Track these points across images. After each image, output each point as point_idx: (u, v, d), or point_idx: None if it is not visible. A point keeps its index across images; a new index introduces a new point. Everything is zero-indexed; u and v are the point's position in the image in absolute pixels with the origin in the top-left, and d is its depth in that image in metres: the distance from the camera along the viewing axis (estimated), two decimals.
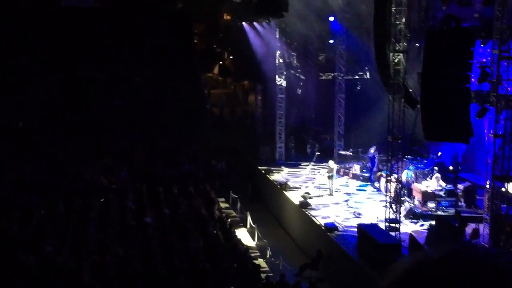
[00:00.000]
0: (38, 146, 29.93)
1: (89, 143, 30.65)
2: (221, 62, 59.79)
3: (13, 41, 38.46)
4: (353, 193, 25.02)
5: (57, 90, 35.10)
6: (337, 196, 24.55)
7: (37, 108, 33.38)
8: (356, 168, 27.16)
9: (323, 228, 20.68)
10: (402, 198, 20.74)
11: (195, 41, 49.65)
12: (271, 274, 19.11)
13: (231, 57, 56.67)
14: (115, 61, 38.43)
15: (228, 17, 43.20)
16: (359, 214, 22.10)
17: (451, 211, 20.95)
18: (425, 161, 24.99)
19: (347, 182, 26.45)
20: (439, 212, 21.13)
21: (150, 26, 41.65)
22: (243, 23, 31.82)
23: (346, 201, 23.79)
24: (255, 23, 31.03)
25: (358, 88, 31.69)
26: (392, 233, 18.77)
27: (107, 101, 35.26)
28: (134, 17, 42.39)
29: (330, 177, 24.84)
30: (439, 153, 25.48)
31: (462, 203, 21.79)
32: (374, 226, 18.91)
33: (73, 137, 30.99)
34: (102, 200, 23.85)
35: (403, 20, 18.77)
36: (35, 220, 21.31)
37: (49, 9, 42.18)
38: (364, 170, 26.93)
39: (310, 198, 23.79)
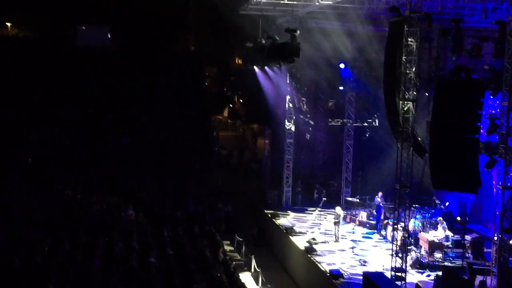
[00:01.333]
0: (45, 181, 30.02)
1: (97, 181, 30.73)
2: (231, 105, 60.31)
3: (27, 78, 39.03)
4: (359, 241, 24.83)
5: (68, 127, 35.41)
6: (343, 243, 24.37)
7: (46, 144, 33.63)
8: (362, 215, 27.03)
9: (328, 274, 20.46)
10: (409, 247, 20.56)
11: (206, 83, 50.18)
12: None
13: (241, 100, 57.18)
14: (127, 101, 38.85)
15: (240, 61, 43.75)
16: (365, 262, 21.88)
17: (458, 262, 20.73)
18: (433, 211, 24.84)
19: (353, 229, 26.28)
20: (446, 263, 20.91)
21: (162, 68, 42.23)
22: (254, 67, 32.18)
23: (352, 248, 23.58)
24: (266, 68, 31.37)
25: (367, 135, 31.81)
26: (398, 283, 18.54)
27: (116, 140, 35.47)
28: (147, 58, 43.02)
29: (336, 224, 24.71)
30: (447, 203, 25.35)
31: (470, 255, 21.57)
32: (380, 275, 18.68)
33: (81, 174, 31.11)
34: (107, 238, 23.76)
35: (414, 69, 18.93)
36: (39, 256, 21.22)
37: (64, 48, 42.94)
38: (370, 218, 26.80)
39: (316, 243, 23.61)
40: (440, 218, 23.17)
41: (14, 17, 51.19)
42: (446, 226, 22.28)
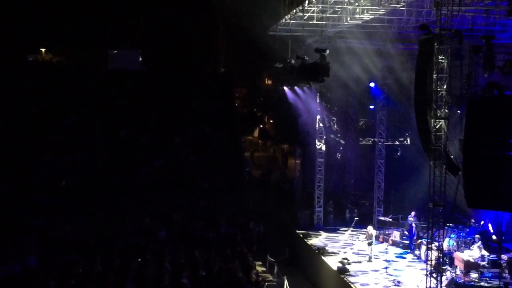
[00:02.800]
0: (79, 204, 30.39)
1: (130, 203, 30.99)
2: (261, 126, 60.48)
3: (60, 102, 39.73)
4: (392, 260, 24.55)
5: (101, 150, 35.86)
6: (376, 263, 24.11)
7: (80, 167, 34.09)
8: (395, 235, 26.74)
9: None
10: (444, 267, 20.23)
11: (236, 104, 50.43)
12: None
13: (271, 120, 57.29)
14: (158, 123, 39.23)
15: (269, 82, 43.95)
16: (399, 282, 21.61)
17: (495, 282, 20.33)
18: (467, 230, 24.46)
19: (386, 248, 26.01)
20: (482, 283, 20.54)
21: (193, 90, 42.61)
22: (284, 87, 32.30)
23: (386, 268, 23.32)
24: (296, 88, 31.47)
25: (398, 153, 31.59)
26: None
27: (148, 162, 35.79)
28: (177, 81, 43.48)
29: (369, 243, 24.50)
30: (482, 222, 24.94)
31: (506, 274, 21.14)
32: None
33: (114, 196, 31.40)
34: (139, 260, 23.90)
35: (445, 87, 18.78)
36: (73, 278, 21.42)
37: (96, 72, 43.67)
38: (404, 237, 26.49)
39: (349, 264, 23.41)
40: (478, 236, 22.81)
41: (48, 43, 52.35)
42: (481, 246, 21.90)
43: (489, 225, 25.06)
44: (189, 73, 45.97)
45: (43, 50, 53.31)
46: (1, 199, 29.75)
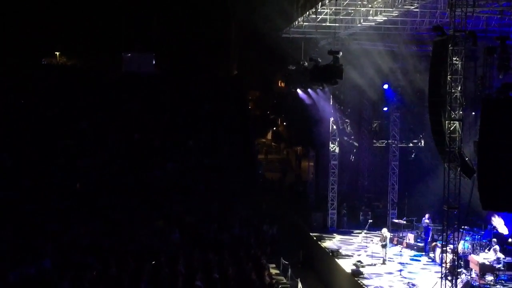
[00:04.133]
0: (94, 207, 30.53)
1: (143, 206, 31.09)
2: (274, 128, 60.45)
3: (75, 105, 39.99)
4: (407, 263, 24.40)
5: (115, 153, 36.03)
6: (391, 266, 23.99)
7: (94, 171, 34.26)
8: (410, 237, 26.59)
9: None
10: (459, 270, 20.08)
11: (250, 107, 50.47)
12: None
13: (284, 123, 57.23)
14: (171, 126, 39.36)
15: (282, 84, 43.90)
16: (414, 285, 21.49)
17: (511, 285, 20.16)
18: (483, 232, 24.27)
19: (400, 251, 25.86)
20: (498, 286, 20.38)
21: (206, 93, 42.73)
22: (297, 89, 32.25)
23: (400, 271, 23.18)
24: (309, 90, 31.42)
25: (413, 156, 31.42)
26: None
27: (162, 165, 35.91)
28: (191, 84, 43.60)
29: (383, 246, 24.38)
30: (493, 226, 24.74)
31: None
32: None
33: (128, 199, 31.53)
34: (153, 262, 23.96)
35: (459, 88, 18.65)
36: (87, 280, 21.52)
37: (110, 75, 43.93)
38: (418, 240, 26.32)
39: (363, 266, 23.30)
40: (494, 239, 22.63)
41: (62, 46, 52.67)
42: (498, 248, 21.72)
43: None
44: (202, 76, 46.09)
45: (57, 53, 53.65)
46: (16, 203, 29.97)
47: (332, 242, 27.63)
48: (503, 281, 20.85)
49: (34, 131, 37.00)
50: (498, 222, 24.66)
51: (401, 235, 27.27)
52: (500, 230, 24.51)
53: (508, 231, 24.48)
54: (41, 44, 50.14)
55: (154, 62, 47.91)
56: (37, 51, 50.32)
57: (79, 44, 51.63)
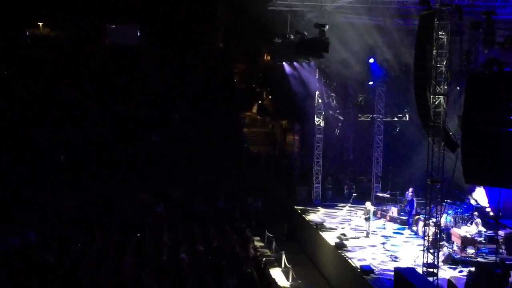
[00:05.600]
0: (78, 179, 30.45)
1: (128, 178, 31.05)
2: (260, 102, 60.34)
3: (58, 77, 39.61)
4: (390, 236, 24.66)
5: (99, 125, 35.84)
6: (374, 239, 24.23)
7: (78, 142, 34.09)
8: (393, 211, 26.84)
9: (359, 270, 20.37)
10: (441, 243, 20.34)
11: (235, 80, 50.24)
12: None
13: (270, 96, 57.13)
14: (156, 98, 39.16)
15: (268, 57, 43.71)
16: (396, 257, 21.73)
17: (491, 257, 20.45)
18: (465, 206, 24.55)
19: (384, 224, 26.11)
20: (479, 259, 20.66)
21: (191, 65, 42.46)
22: (283, 63, 32.13)
23: (383, 243, 23.43)
24: (295, 63, 31.31)
25: (397, 130, 31.57)
26: (430, 279, 18.38)
27: (147, 137, 35.79)
28: (176, 56, 43.28)
29: (367, 219, 24.60)
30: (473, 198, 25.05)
31: (503, 250, 21.27)
32: (411, 271, 18.54)
33: (112, 172, 31.46)
34: (138, 235, 24.03)
35: (444, 63, 18.70)
36: (72, 252, 21.56)
37: (95, 47, 43.46)
38: (401, 213, 26.59)
39: (346, 239, 23.51)
40: (476, 213, 22.90)
41: (46, 17, 51.89)
42: (479, 222, 22.00)
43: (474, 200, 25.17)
44: (187, 48, 45.75)
45: (40, 24, 52.88)
46: (1, 175, 29.80)
47: (316, 215, 27.81)
48: (484, 254, 21.14)
49: (17, 103, 36.64)
50: (479, 195, 24.97)
51: (384, 208, 27.50)
52: (481, 203, 24.83)
53: (490, 204, 24.79)
54: (24, 15, 49.37)
55: (139, 34, 47.43)
56: (20, 22, 49.56)
57: (63, 15, 50.87)
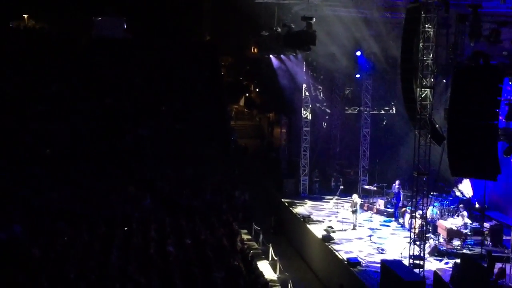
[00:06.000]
0: (64, 173, 30.27)
1: (115, 172, 30.91)
2: (247, 94, 60.29)
3: (44, 70, 39.28)
4: (376, 229, 24.78)
5: (86, 119, 35.62)
6: (361, 231, 24.33)
7: (65, 136, 33.86)
8: (380, 203, 26.96)
9: (345, 262, 20.46)
10: (427, 235, 20.47)
11: (222, 73, 50.17)
12: None
13: (257, 89, 57.08)
14: (143, 91, 38.98)
15: (255, 50, 43.64)
16: (383, 249, 21.84)
17: (477, 249, 20.62)
18: (451, 198, 24.70)
19: (371, 217, 26.22)
20: (464, 250, 20.81)
21: (178, 58, 42.27)
22: (270, 56, 32.07)
23: (370, 236, 23.54)
24: (282, 56, 31.27)
25: (384, 123, 31.67)
26: (416, 270, 18.49)
27: (134, 130, 35.64)
28: (163, 49, 43.08)
29: (354, 212, 24.68)
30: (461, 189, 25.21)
31: (489, 242, 21.44)
32: (398, 263, 18.64)
33: (99, 165, 31.30)
34: (125, 228, 23.95)
35: (431, 56, 18.76)
36: (59, 246, 21.45)
37: (81, 40, 43.18)
38: (388, 206, 26.72)
39: (333, 232, 23.60)
40: (462, 205, 23.05)
41: (31, 9, 51.50)
42: (465, 214, 22.15)
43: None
44: (174, 41, 45.58)
45: (25, 16, 52.45)
46: None
47: (303, 208, 27.87)
48: (469, 246, 21.29)
49: (2, 96, 36.29)
50: (465, 187, 25.14)
51: (371, 201, 27.62)
52: (466, 195, 25.00)
53: (475, 196, 24.96)
54: (8, 7, 48.94)
55: (125, 26, 47.16)
56: (5, 14, 49.12)
57: (48, 7, 50.52)
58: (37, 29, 49.88)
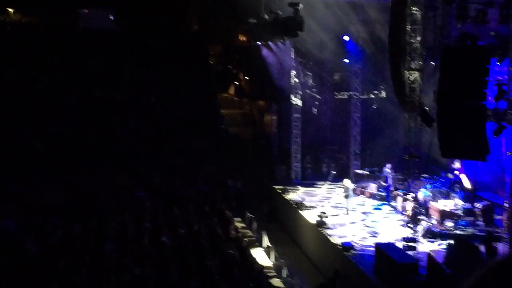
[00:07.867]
0: (55, 167, 30.17)
1: (107, 164, 30.85)
2: (236, 83, 60.13)
3: (32, 63, 39.02)
4: (369, 212, 24.88)
5: (75, 112, 35.47)
6: (354, 215, 24.43)
7: (55, 129, 33.72)
8: (372, 187, 27.04)
9: (339, 247, 20.56)
10: (420, 217, 20.58)
11: (211, 62, 49.98)
12: None
13: (246, 77, 56.93)
14: (133, 82, 38.82)
15: (244, 38, 43.49)
16: (376, 233, 21.96)
17: (470, 230, 20.76)
18: (442, 180, 24.81)
19: (363, 201, 26.33)
20: (457, 231, 20.95)
21: (166, 48, 42.09)
22: (259, 43, 31.99)
23: (363, 220, 23.65)
24: (270, 43, 31.21)
25: (374, 107, 31.72)
26: (410, 253, 18.62)
27: (124, 122, 35.54)
28: (151, 39, 42.87)
29: (346, 196, 24.76)
30: (456, 172, 25.26)
31: (481, 222, 21.59)
32: (391, 246, 18.77)
33: (90, 157, 31.22)
34: (119, 220, 23.93)
35: (418, 38, 18.81)
36: (53, 240, 21.43)
37: (67, 32, 42.87)
38: (380, 189, 26.80)
39: (326, 217, 23.67)
40: (457, 185, 23.12)
41: (16, 3, 50.98)
42: (457, 195, 22.26)
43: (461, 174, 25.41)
44: (162, 32, 45.33)
45: (10, 10, 51.96)
46: None
47: (296, 194, 27.94)
48: (462, 227, 21.43)
49: None
50: (462, 178, 25.25)
51: (363, 185, 27.71)
52: (464, 185, 25.08)
53: (469, 180, 25.05)
54: None
55: (112, 18, 46.82)
56: None
57: (34, 0, 50.00)
58: (23, 22, 49.45)
